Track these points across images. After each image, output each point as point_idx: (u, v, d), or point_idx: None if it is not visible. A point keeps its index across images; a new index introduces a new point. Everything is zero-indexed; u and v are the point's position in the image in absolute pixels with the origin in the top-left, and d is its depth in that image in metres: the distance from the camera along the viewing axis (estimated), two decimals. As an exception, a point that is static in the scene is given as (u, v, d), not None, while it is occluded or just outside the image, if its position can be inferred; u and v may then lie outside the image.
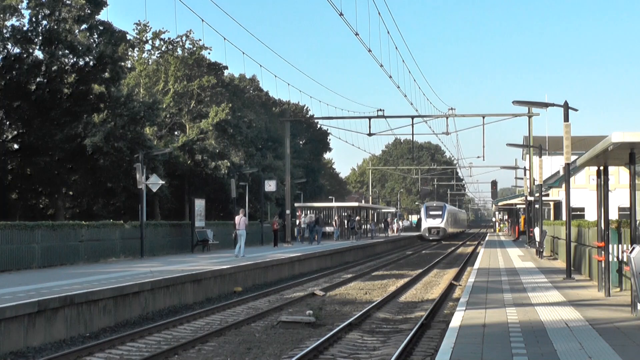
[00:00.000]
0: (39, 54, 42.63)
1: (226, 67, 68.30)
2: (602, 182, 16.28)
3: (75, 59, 43.63)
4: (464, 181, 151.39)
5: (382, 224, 78.65)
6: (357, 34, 31.23)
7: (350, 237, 56.96)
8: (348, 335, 15.57)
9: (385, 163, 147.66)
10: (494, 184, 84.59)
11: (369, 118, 50.19)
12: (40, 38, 42.02)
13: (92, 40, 44.04)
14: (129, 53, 58.74)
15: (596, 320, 12.92)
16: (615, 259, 16.75)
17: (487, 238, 70.24)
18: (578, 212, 47.70)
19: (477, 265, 29.11)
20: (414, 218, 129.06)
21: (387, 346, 14.32)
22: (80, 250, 27.63)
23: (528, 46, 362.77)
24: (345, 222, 57.87)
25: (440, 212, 79.79)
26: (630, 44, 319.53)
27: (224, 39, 53.56)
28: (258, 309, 19.98)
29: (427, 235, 79.99)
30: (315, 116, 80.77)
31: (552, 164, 63.33)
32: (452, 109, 50.76)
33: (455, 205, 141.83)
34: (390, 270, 36.21)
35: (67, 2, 42.56)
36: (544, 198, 42.05)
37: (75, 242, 27.39)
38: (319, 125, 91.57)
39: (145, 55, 64.07)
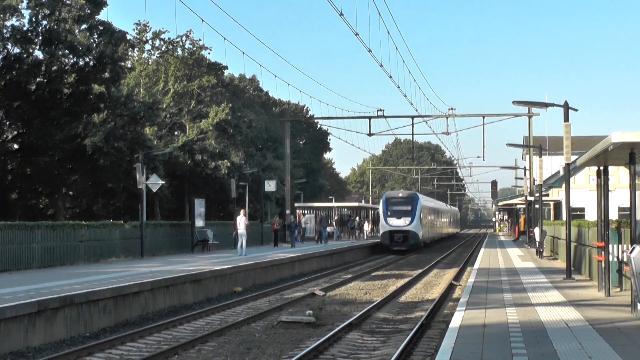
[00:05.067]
0: (39, 54, 42.61)
1: (226, 67, 68.38)
2: (602, 182, 16.28)
3: (75, 59, 43.61)
4: (464, 181, 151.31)
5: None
6: (357, 34, 31.30)
7: (350, 237, 56.99)
8: (348, 335, 15.57)
9: (385, 163, 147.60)
10: (494, 184, 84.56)
11: (369, 118, 50.28)
12: (40, 38, 41.99)
13: (92, 40, 44.06)
14: (129, 53, 58.70)
15: (596, 320, 12.91)
16: (615, 259, 16.75)
17: (486, 239, 69.83)
18: (578, 212, 47.67)
19: (477, 265, 29.13)
20: None
21: (387, 346, 14.32)
22: (80, 250, 27.64)
23: (528, 46, 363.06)
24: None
25: (408, 207, 50.91)
26: (630, 44, 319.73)
27: (224, 39, 53.88)
28: (258, 309, 19.97)
29: (387, 242, 50.72)
30: (315, 116, 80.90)
31: (552, 164, 63.30)
32: (452, 109, 50.91)
33: (455, 205, 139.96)
34: (390, 270, 36.21)
35: (67, 2, 42.55)
36: (544, 198, 42.05)
37: (75, 242, 27.40)
38: (319, 125, 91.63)
39: (145, 55, 64.06)
